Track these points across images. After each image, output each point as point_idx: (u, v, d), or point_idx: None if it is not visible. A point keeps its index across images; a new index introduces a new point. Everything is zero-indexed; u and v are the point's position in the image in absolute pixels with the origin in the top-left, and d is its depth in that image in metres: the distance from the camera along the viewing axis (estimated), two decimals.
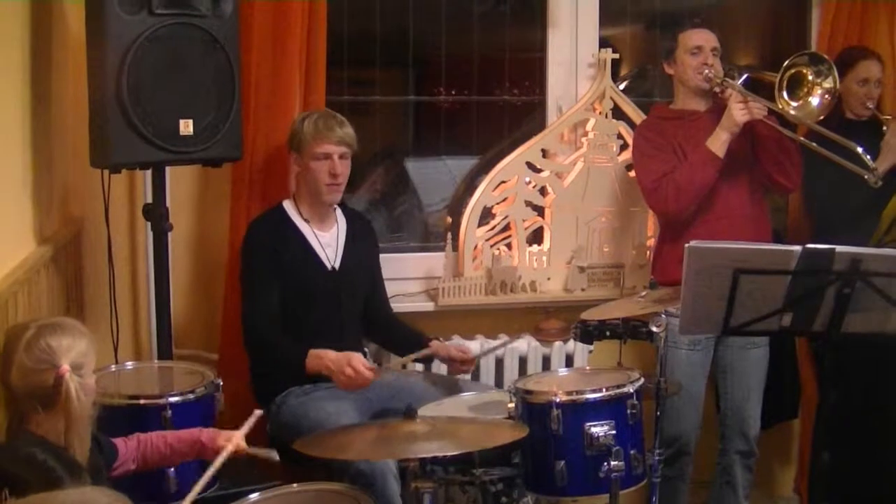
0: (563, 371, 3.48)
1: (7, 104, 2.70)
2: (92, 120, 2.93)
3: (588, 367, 3.59)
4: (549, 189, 3.91)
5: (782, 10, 4.45)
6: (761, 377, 3.61)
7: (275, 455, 2.52)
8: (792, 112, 3.40)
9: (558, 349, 3.79)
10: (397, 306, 3.58)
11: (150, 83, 2.88)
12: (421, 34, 3.97)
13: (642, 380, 2.81)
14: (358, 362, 3.03)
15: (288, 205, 3.34)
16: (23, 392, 2.07)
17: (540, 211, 3.93)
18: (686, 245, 2.53)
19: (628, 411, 2.72)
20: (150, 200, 3.20)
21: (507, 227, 3.89)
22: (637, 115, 3.92)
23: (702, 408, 3.58)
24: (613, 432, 2.66)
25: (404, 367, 3.44)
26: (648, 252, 3.91)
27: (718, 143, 3.40)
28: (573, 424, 2.68)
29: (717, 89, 3.52)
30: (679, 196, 3.43)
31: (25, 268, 2.64)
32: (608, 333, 3.11)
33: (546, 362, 3.79)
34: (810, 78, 3.41)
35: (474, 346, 3.66)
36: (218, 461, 2.34)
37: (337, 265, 3.32)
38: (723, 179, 3.45)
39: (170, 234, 3.20)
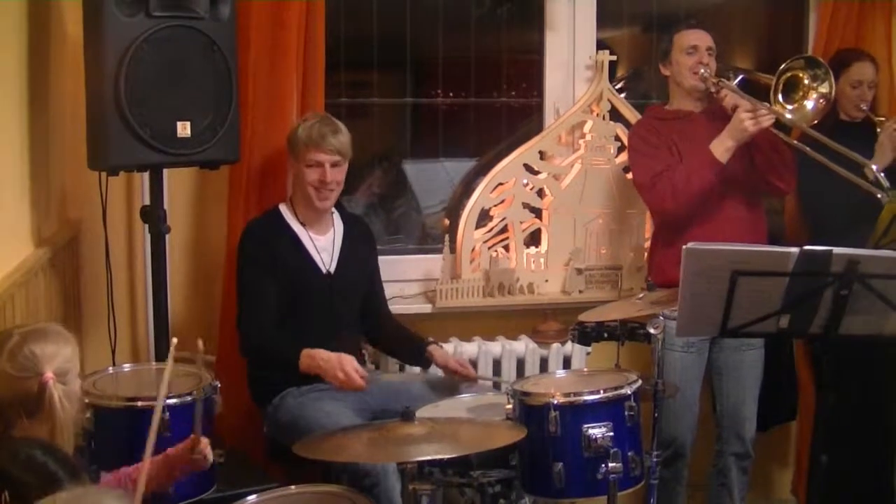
0: (560, 373, 3.48)
1: (4, 106, 2.70)
2: (89, 122, 2.93)
3: (586, 369, 3.60)
4: (547, 191, 3.91)
5: (779, 12, 4.44)
6: (757, 379, 3.60)
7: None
8: (787, 115, 3.40)
9: (556, 351, 3.78)
10: (395, 308, 3.58)
11: (148, 85, 2.88)
12: (418, 36, 3.97)
13: (640, 381, 2.80)
14: (349, 366, 3.01)
15: (284, 208, 3.34)
16: (7, 400, 2.05)
17: (538, 213, 3.93)
18: (684, 247, 2.51)
19: (626, 413, 2.71)
20: (147, 202, 3.21)
21: (504, 229, 3.89)
22: (634, 118, 3.91)
23: (697, 410, 3.58)
24: (611, 434, 2.65)
25: (402, 368, 3.43)
26: (646, 254, 3.91)
27: (722, 148, 3.36)
28: (571, 426, 2.67)
29: (712, 90, 3.51)
30: (676, 196, 3.42)
31: (23, 270, 2.64)
32: (606, 335, 3.11)
33: (544, 364, 3.78)
34: (806, 82, 3.41)
35: (472, 348, 3.67)
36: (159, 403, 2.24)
37: (332, 269, 3.30)
38: (718, 182, 3.45)
39: (167, 236, 3.20)
